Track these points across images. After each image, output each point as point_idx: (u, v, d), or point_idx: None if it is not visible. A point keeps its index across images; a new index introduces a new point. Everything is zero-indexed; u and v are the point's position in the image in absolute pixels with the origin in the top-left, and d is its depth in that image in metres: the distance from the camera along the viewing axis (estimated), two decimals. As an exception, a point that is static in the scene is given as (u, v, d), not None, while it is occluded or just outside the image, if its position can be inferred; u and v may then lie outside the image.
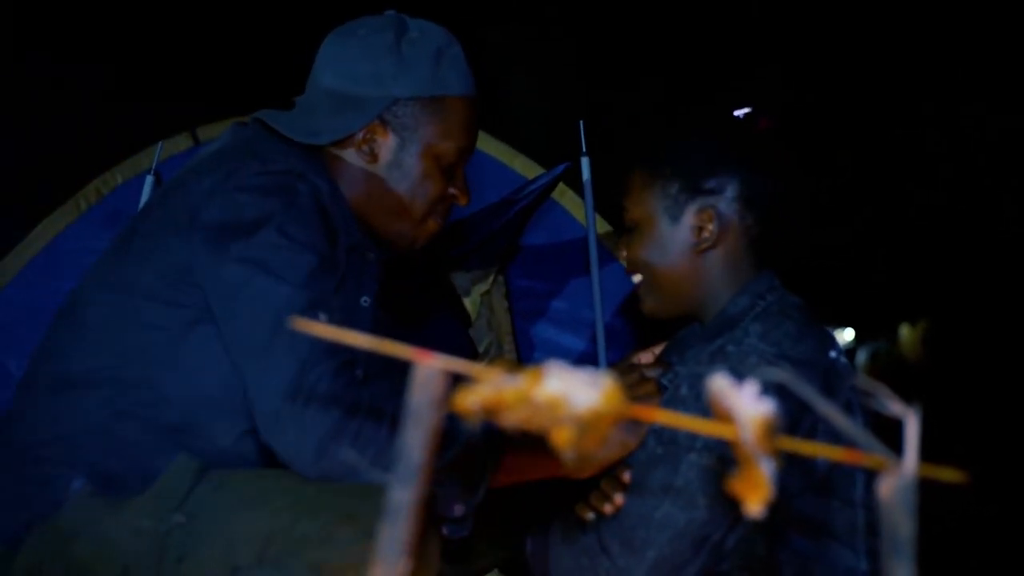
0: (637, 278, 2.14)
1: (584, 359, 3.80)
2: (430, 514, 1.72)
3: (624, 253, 2.14)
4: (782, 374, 0.88)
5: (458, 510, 1.79)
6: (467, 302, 3.71)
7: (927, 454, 0.90)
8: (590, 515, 2.00)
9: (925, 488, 0.89)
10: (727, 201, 2.06)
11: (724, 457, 1.86)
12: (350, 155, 2.05)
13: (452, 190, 2.10)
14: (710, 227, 2.05)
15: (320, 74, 2.07)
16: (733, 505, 1.89)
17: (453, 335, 3.60)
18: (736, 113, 2.13)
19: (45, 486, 1.81)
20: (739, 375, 0.91)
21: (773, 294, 2.04)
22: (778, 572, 1.91)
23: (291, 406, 1.70)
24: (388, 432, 1.70)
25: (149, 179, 3.65)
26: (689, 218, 2.06)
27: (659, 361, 2.14)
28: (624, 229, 2.13)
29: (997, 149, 7.64)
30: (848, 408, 1.93)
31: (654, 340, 2.21)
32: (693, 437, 1.88)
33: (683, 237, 2.07)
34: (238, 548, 1.64)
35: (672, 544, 1.88)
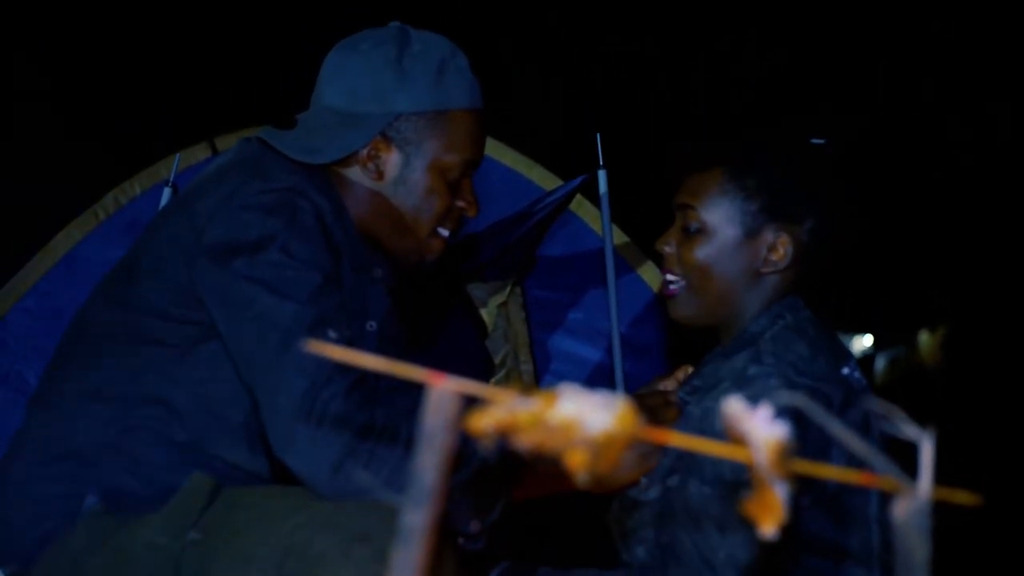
0: (671, 277, 2.08)
1: (600, 370, 3.80)
2: (446, 528, 1.72)
3: (668, 249, 2.08)
4: (798, 398, 0.87)
5: (474, 527, 1.78)
6: (484, 313, 3.71)
7: (945, 463, 0.89)
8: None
9: (941, 505, 0.88)
10: (804, 231, 2.03)
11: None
12: (355, 173, 2.03)
13: (460, 203, 2.08)
14: (782, 252, 2.03)
15: (322, 90, 2.06)
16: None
17: (470, 346, 3.60)
18: (812, 140, 2.09)
19: (58, 503, 1.81)
20: (761, 399, 0.90)
21: (791, 313, 2.02)
22: None
23: (304, 426, 1.70)
24: (402, 452, 1.69)
25: (167, 191, 3.67)
26: (766, 238, 2.03)
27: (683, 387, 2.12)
28: (685, 229, 2.06)
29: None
30: (866, 423, 1.92)
31: (673, 354, 2.19)
32: (739, 471, 1.85)
33: (752, 254, 2.03)
34: (254, 565, 1.64)
35: None
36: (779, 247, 2.02)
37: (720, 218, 2.03)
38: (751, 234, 2.02)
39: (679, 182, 2.11)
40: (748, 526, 1.81)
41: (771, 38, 7.43)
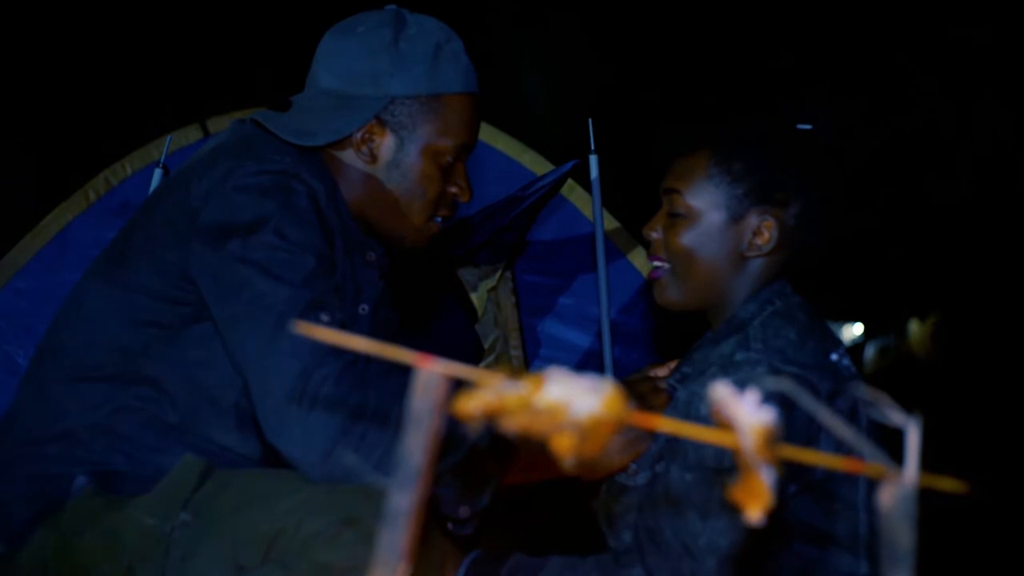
0: (657, 263, 2.08)
1: (590, 355, 3.80)
2: (434, 514, 1.73)
3: (655, 235, 2.08)
4: (785, 383, 0.88)
5: (463, 512, 1.78)
6: (474, 298, 3.71)
7: (933, 451, 0.89)
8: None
9: (927, 492, 0.89)
10: (790, 215, 2.03)
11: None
12: (349, 156, 2.03)
13: (452, 188, 2.08)
14: (767, 236, 2.03)
15: (318, 73, 2.05)
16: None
17: (460, 331, 3.59)
18: (799, 127, 2.09)
19: (49, 483, 1.81)
20: (748, 385, 0.90)
21: (781, 299, 2.03)
22: (778, 574, 1.90)
23: (296, 409, 1.69)
24: (393, 435, 1.69)
25: (158, 172, 3.66)
26: (751, 221, 2.03)
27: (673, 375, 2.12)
28: (671, 214, 2.06)
29: (1015, 144, 7.63)
30: (854, 410, 1.92)
31: (664, 340, 2.19)
32: (720, 458, 1.85)
33: (736, 238, 2.03)
34: (243, 547, 1.65)
35: (720, 570, 1.86)
36: (764, 231, 2.02)
37: (706, 202, 2.03)
38: (736, 218, 2.03)
39: (666, 167, 2.11)
40: (731, 512, 1.82)
41: (771, 38, 7.44)
